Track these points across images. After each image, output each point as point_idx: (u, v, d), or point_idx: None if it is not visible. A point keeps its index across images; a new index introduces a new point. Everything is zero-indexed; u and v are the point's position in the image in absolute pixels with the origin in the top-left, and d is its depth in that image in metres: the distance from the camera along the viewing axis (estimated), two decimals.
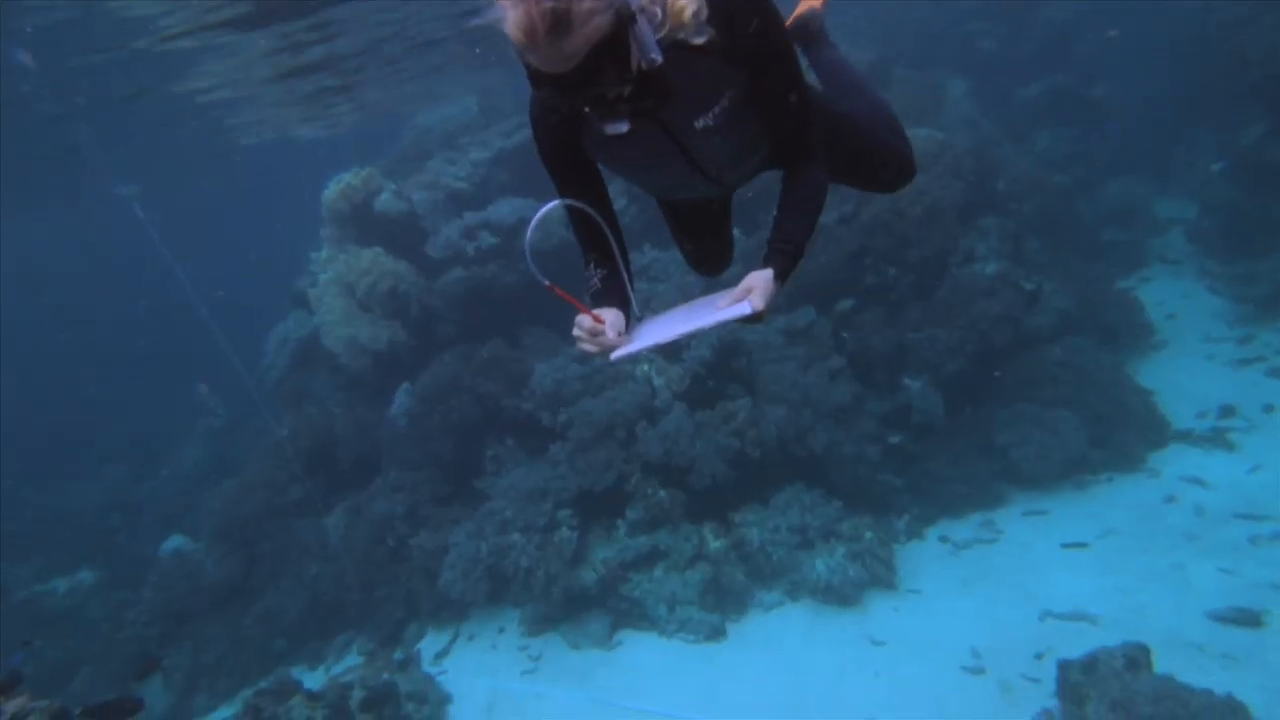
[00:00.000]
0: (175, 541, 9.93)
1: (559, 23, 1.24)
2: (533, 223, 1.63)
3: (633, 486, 6.75)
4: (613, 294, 1.79)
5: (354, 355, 9.04)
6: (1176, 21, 10.99)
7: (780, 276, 1.61)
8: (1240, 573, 5.13)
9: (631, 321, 1.82)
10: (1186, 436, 6.66)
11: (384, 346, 8.91)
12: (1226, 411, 6.80)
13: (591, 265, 1.83)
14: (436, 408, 8.26)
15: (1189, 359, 7.47)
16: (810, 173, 1.72)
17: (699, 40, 1.45)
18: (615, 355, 1.65)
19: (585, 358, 7.31)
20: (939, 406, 6.45)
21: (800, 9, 2.45)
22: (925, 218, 6.46)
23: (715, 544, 6.46)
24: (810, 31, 2.48)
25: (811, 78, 2.25)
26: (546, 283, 1.63)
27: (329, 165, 10.15)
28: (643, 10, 1.32)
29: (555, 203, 1.70)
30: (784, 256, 1.63)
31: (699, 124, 1.61)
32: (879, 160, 2.12)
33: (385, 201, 9.50)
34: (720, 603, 6.23)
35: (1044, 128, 9.21)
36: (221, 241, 25.69)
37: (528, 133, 9.65)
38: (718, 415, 6.38)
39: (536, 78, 1.34)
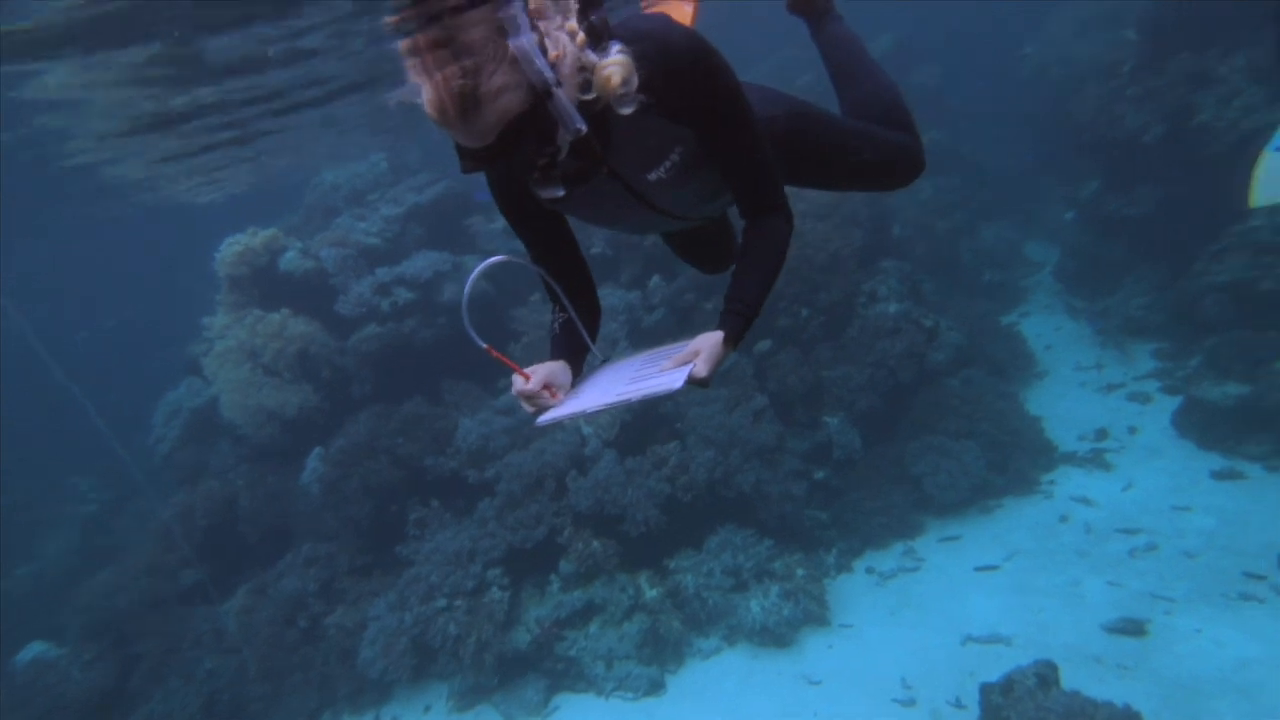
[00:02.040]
0: (34, 649, 8.49)
1: (468, 101, 1.25)
2: (470, 278, 1.65)
3: (565, 539, 6.63)
4: (567, 342, 1.80)
5: (260, 424, 8.53)
6: (1024, 85, 12.52)
7: (731, 339, 1.57)
8: (1125, 585, 5.58)
9: (586, 370, 1.83)
10: (1071, 458, 7.23)
11: (294, 412, 8.47)
12: (1101, 434, 7.43)
13: (554, 310, 1.84)
14: (354, 471, 7.86)
15: (1065, 386, 8.20)
16: (769, 227, 1.66)
17: (630, 109, 1.43)
18: (540, 420, 1.62)
19: (511, 410, 7.21)
20: (857, 441, 6.78)
21: None
22: (830, 263, 6.93)
23: (651, 593, 6.41)
24: (815, 6, 2.33)
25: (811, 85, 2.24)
26: (484, 345, 1.63)
27: (223, 227, 9.72)
28: (560, 83, 1.31)
29: (494, 260, 1.71)
30: (736, 318, 1.59)
31: (652, 177, 1.61)
32: (884, 168, 2.04)
33: (290, 260, 9.18)
34: (658, 654, 6.14)
35: (927, 179, 10.14)
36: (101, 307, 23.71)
37: (442, 187, 9.83)
38: (648, 461, 6.43)
39: (458, 150, 1.36)
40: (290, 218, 11.40)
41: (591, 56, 1.37)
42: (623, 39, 1.41)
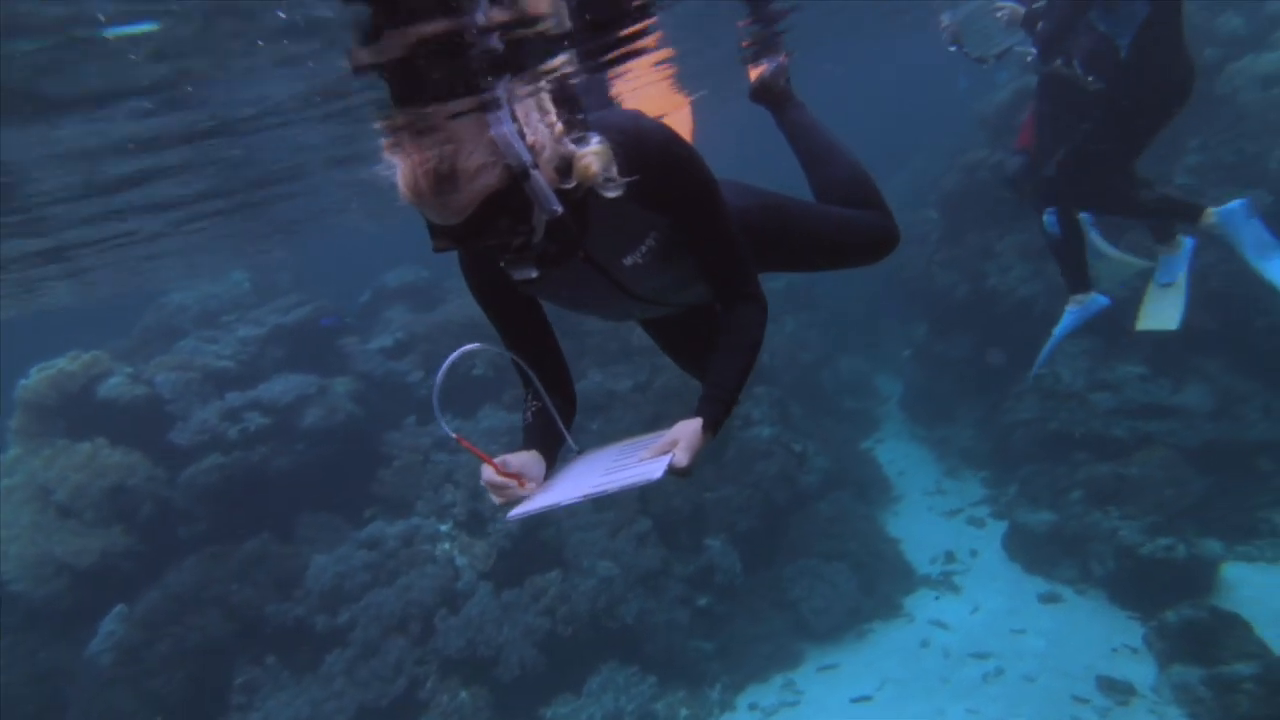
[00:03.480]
0: None
1: (443, 180, 1.27)
2: (441, 369, 1.58)
3: (427, 692, 5.90)
4: (540, 432, 1.75)
5: (42, 578, 7.15)
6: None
7: (710, 426, 1.55)
8: (982, 712, 5.70)
9: (560, 460, 1.79)
10: (927, 581, 7.58)
11: (93, 560, 7.19)
12: (949, 557, 7.85)
13: (528, 398, 1.79)
14: (167, 631, 6.65)
15: (917, 510, 8.80)
16: (743, 315, 1.67)
17: (611, 194, 1.47)
18: (511, 515, 1.54)
19: (375, 543, 6.60)
20: (738, 564, 6.79)
21: (759, 69, 2.44)
22: None
23: None
24: (774, 93, 2.41)
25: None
26: (453, 434, 1.60)
27: (28, 351, 8.66)
28: (538, 165, 1.35)
29: (466, 348, 1.65)
30: (715, 404, 1.58)
31: (628, 262, 1.63)
32: (857, 246, 2.09)
33: (115, 386, 8.24)
34: None
35: (788, 313, 11.18)
36: None
37: (309, 309, 9.42)
38: (526, 593, 6.02)
39: (431, 229, 1.36)
40: (120, 341, 10.36)
41: (570, 146, 1.44)
42: (599, 131, 1.48)
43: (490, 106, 1.45)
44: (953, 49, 4.64)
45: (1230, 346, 6.97)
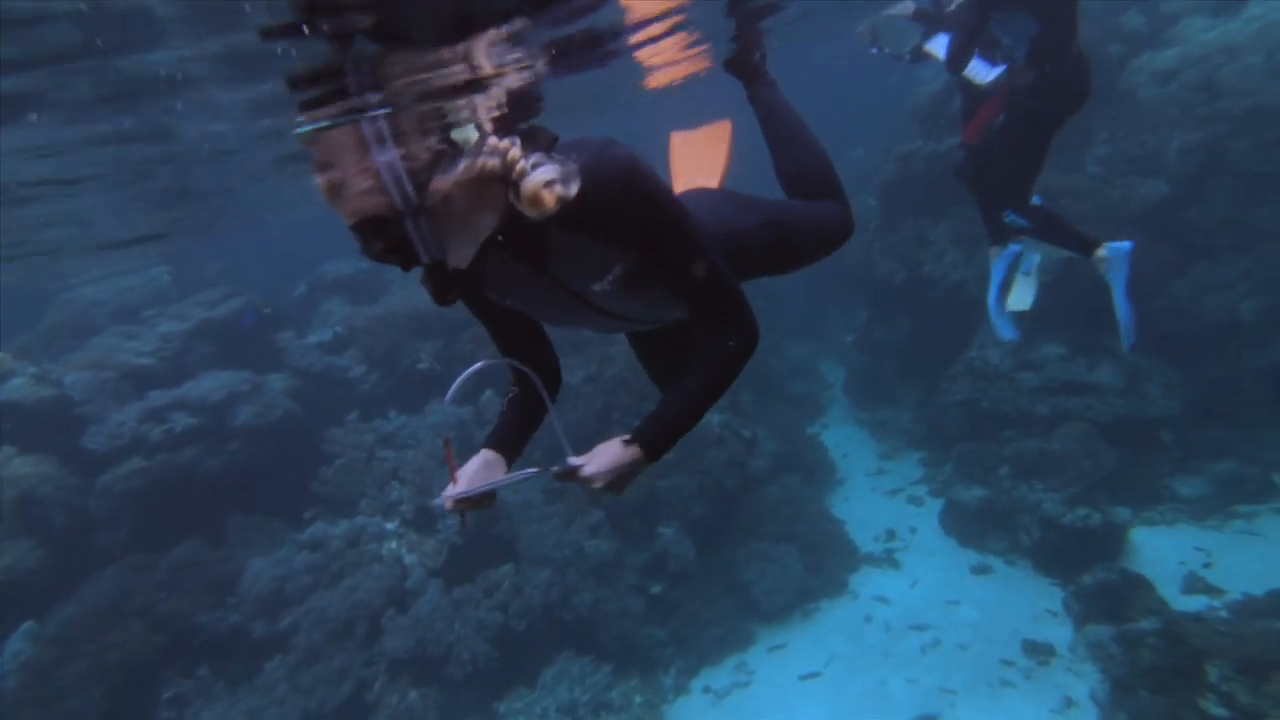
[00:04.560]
0: None
1: (333, 192, 1.38)
2: (455, 384, 1.64)
3: (375, 695, 5.72)
4: (501, 436, 1.84)
5: None
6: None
7: (644, 449, 1.59)
8: (920, 681, 5.94)
9: (515, 466, 1.84)
10: (869, 559, 7.81)
11: None
12: (890, 535, 8.13)
13: (504, 402, 1.90)
14: (81, 648, 6.21)
15: (860, 491, 9.05)
16: (713, 350, 1.65)
17: (571, 231, 1.49)
18: (442, 496, 1.67)
19: (317, 545, 6.35)
20: (691, 551, 6.82)
21: (739, 44, 2.48)
22: None
23: None
24: (748, 67, 2.41)
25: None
26: (445, 438, 1.71)
27: None
28: (421, 210, 1.36)
29: (480, 365, 1.70)
30: (647, 434, 1.61)
31: (596, 288, 1.61)
32: (825, 243, 2.14)
33: (18, 388, 7.65)
34: None
35: None
36: None
37: (239, 302, 8.93)
38: (479, 588, 5.89)
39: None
40: (22, 338, 9.61)
41: (525, 168, 1.41)
42: (563, 158, 1.45)
43: (372, 131, 1.43)
44: (874, 50, 5.00)
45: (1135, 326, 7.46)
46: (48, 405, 7.58)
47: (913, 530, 8.01)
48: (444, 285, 1.46)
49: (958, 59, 4.49)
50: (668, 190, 1.56)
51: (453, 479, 1.69)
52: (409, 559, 6.06)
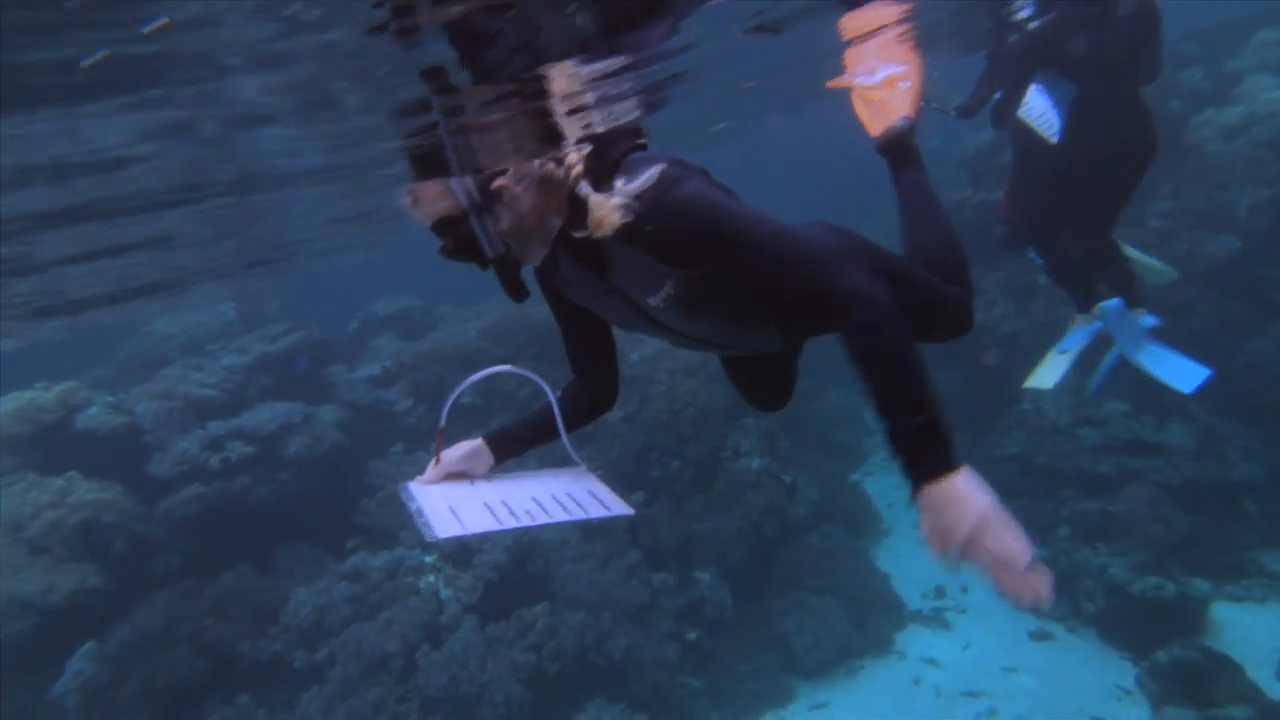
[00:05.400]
0: None
1: (412, 201, 1.64)
2: (459, 387, 1.87)
3: None
4: (505, 433, 1.98)
5: (7, 618, 6.85)
6: None
7: (938, 467, 1.33)
8: None
9: (502, 468, 1.93)
10: (917, 617, 7.49)
11: (62, 600, 6.90)
12: (939, 592, 7.79)
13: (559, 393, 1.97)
14: (135, 670, 6.41)
15: (907, 544, 8.73)
16: (854, 338, 1.42)
17: (625, 245, 1.55)
18: (440, 535, 1.56)
19: (357, 575, 6.45)
20: (728, 598, 6.68)
21: (889, 121, 2.32)
22: (698, 417, 7.27)
23: None
24: (900, 147, 2.26)
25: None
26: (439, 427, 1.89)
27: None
28: (485, 211, 1.54)
29: (495, 369, 1.99)
30: (916, 447, 1.36)
31: (653, 303, 1.63)
32: (933, 318, 1.93)
33: (94, 417, 8.09)
34: None
35: None
36: None
37: (297, 337, 9.34)
38: (513, 627, 5.87)
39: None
40: (98, 371, 10.22)
41: (586, 190, 1.56)
42: (625, 181, 1.55)
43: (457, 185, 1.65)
44: (921, 104, 5.07)
45: (1210, 386, 7.14)
46: (120, 433, 8.00)
47: (964, 589, 7.65)
48: (514, 281, 1.61)
49: (1001, 115, 4.55)
50: (724, 214, 1.50)
51: (436, 459, 1.88)
52: (445, 593, 6.10)
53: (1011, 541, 1.23)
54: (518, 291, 1.64)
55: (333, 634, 6.09)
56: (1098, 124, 4.27)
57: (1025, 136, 4.61)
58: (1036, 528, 7.29)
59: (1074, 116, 4.32)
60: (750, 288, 1.54)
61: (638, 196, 1.50)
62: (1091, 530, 6.73)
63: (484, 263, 1.59)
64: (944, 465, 1.30)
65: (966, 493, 1.28)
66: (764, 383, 2.16)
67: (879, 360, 1.38)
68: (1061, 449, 7.43)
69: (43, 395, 8.02)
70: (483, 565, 6.18)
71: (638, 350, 8.02)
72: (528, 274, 1.73)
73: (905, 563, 8.28)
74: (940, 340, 1.97)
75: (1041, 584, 1.22)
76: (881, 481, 9.71)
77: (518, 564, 6.31)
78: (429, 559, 6.46)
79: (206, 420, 7.95)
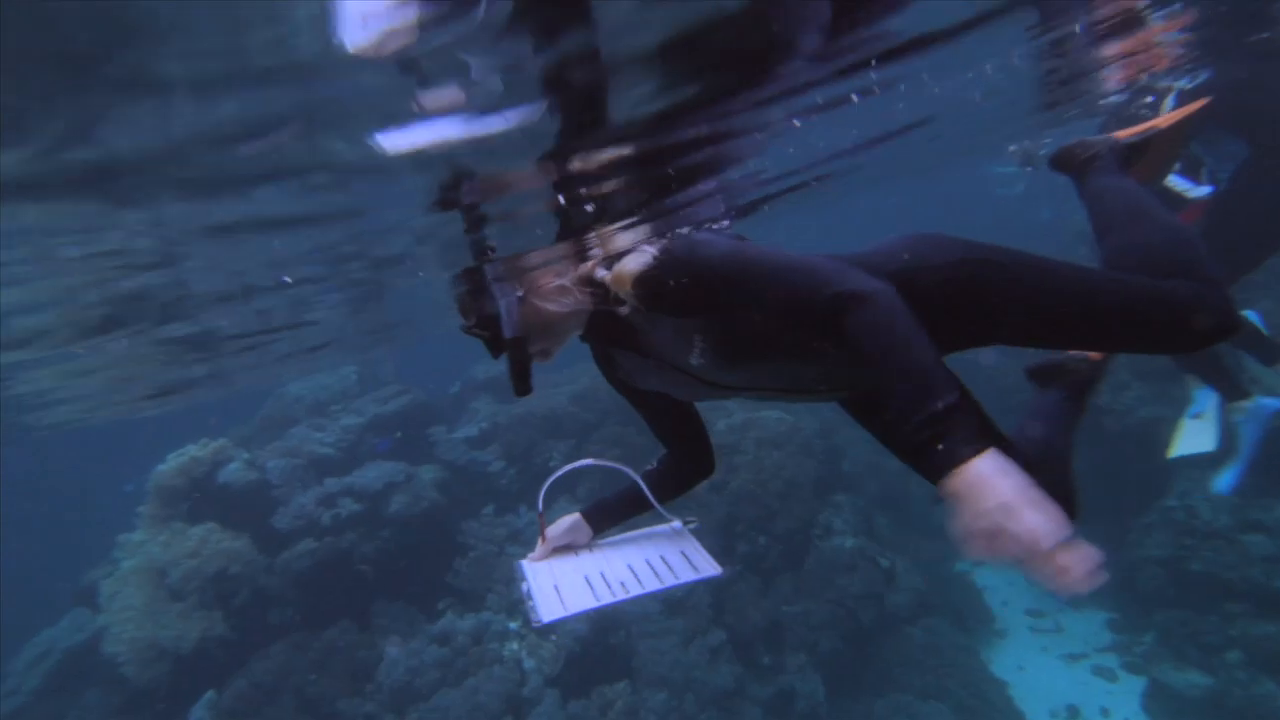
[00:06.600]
0: None
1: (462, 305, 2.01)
2: (552, 477, 2.02)
3: None
4: (601, 506, 2.13)
5: (145, 663, 7.38)
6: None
7: (963, 451, 1.18)
8: None
9: (595, 538, 2.09)
10: None
11: (190, 647, 7.40)
12: (1073, 713, 6.89)
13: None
14: None
15: (1026, 649, 7.85)
16: (849, 336, 1.34)
17: (626, 310, 1.70)
18: (545, 619, 1.70)
19: (446, 638, 6.58)
20: (820, 690, 6.24)
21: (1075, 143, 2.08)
22: (785, 490, 7.03)
23: None
24: (1075, 160, 2.02)
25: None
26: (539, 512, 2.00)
27: (156, 440, 9.49)
28: (517, 331, 1.70)
29: (583, 463, 2.13)
30: (920, 431, 1.23)
31: (694, 362, 1.66)
32: (1133, 317, 1.52)
33: (233, 472, 8.85)
34: None
35: None
36: None
37: (406, 400, 9.96)
38: (594, 705, 5.76)
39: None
40: (242, 428, 11.27)
41: (602, 273, 1.72)
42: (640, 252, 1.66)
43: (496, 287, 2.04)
44: (1028, 169, 4.97)
45: None
46: (253, 488, 8.70)
47: (1104, 712, 6.74)
48: (523, 371, 1.72)
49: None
50: (727, 249, 1.57)
51: (541, 538, 2.01)
52: (528, 663, 6.10)
53: (1037, 519, 1.05)
54: (524, 382, 1.70)
55: (421, 697, 6.20)
56: (1264, 192, 3.99)
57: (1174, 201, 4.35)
58: (1197, 647, 6.35)
59: (1239, 179, 4.02)
60: (770, 318, 1.53)
61: (656, 257, 1.62)
62: (1271, 658, 5.79)
63: (498, 346, 1.73)
64: (953, 456, 1.15)
65: (982, 479, 1.11)
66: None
67: (875, 350, 1.29)
68: (1224, 557, 6.41)
69: (200, 451, 8.86)
70: (565, 635, 6.16)
71: (725, 419, 7.96)
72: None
73: (1027, 671, 7.44)
74: (1175, 341, 1.59)
75: (1078, 562, 1.01)
76: (991, 574, 8.89)
77: (599, 635, 6.24)
78: (513, 625, 6.52)
79: (324, 477, 8.55)
